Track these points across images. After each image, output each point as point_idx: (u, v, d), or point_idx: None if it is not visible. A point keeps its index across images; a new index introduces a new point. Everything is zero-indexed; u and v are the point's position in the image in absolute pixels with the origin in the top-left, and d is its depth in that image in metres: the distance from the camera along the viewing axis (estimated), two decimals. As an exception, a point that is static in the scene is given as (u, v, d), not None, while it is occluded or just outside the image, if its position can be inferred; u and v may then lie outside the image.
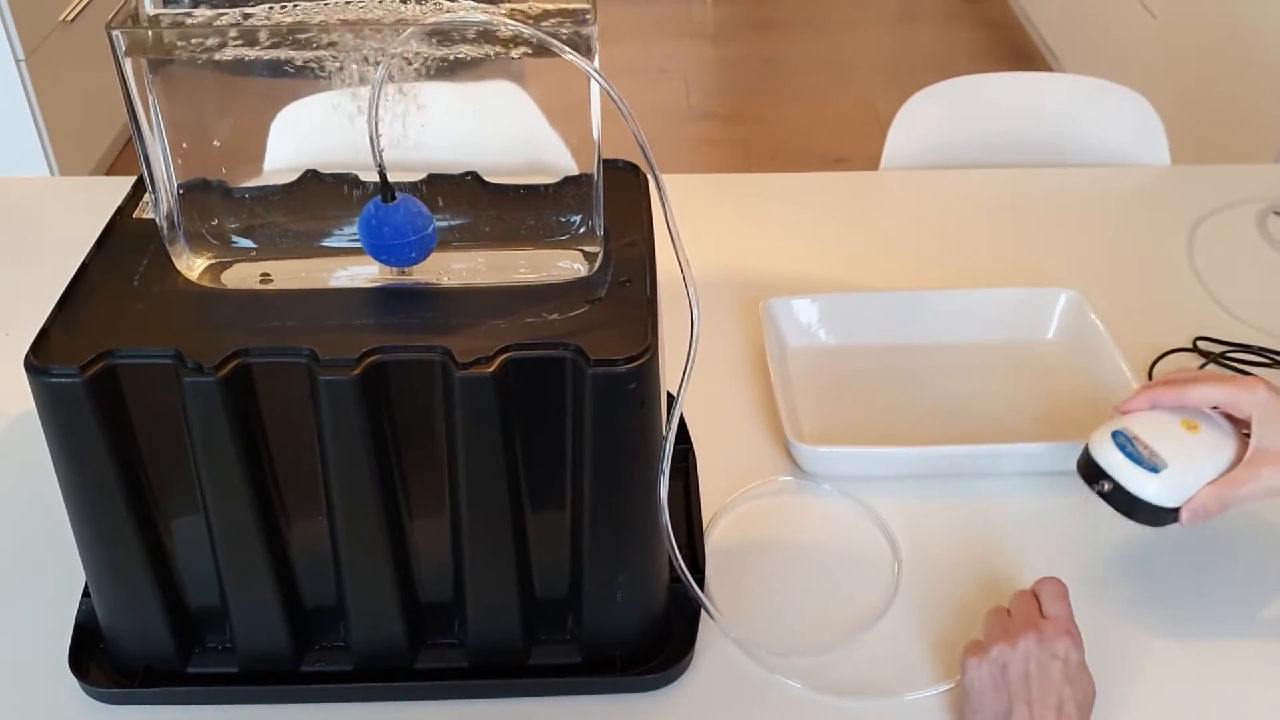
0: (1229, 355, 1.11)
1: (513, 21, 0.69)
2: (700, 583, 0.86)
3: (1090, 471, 0.85)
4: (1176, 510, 0.83)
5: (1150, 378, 1.07)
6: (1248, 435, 0.83)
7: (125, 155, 3.07)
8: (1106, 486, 0.83)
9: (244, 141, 0.80)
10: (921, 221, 1.33)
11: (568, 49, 0.69)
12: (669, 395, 0.79)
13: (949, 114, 1.49)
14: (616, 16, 3.79)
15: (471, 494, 0.76)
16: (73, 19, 2.80)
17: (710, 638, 0.86)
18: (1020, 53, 3.56)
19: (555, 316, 0.75)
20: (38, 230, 1.35)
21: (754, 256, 1.27)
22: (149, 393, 0.72)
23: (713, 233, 1.29)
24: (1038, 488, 0.98)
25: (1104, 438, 0.84)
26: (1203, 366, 1.09)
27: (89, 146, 2.93)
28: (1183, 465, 0.82)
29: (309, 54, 0.72)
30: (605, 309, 0.76)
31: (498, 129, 0.81)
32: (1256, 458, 0.82)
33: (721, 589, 0.90)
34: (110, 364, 0.71)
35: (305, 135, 0.80)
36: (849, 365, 1.09)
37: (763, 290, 1.18)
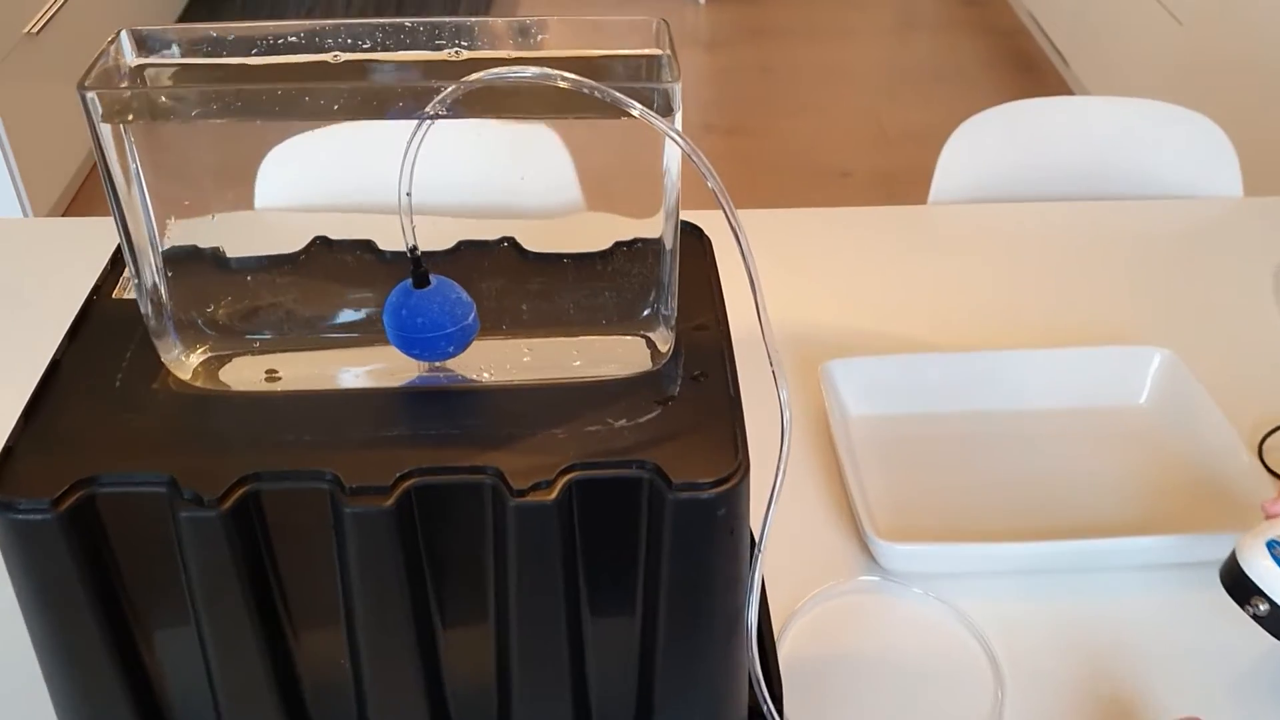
0: (1340, 420, 0.99)
1: (574, 76, 0.57)
2: (780, 712, 0.74)
3: (1240, 588, 0.73)
4: None
5: (1261, 454, 0.96)
6: None
7: (97, 176, 2.93)
8: (1262, 608, 0.71)
9: (238, 215, 0.67)
10: (978, 262, 1.22)
11: (636, 105, 0.57)
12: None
13: (1002, 142, 1.38)
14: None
15: (523, 627, 0.64)
16: (38, 31, 2.65)
17: (791, 776, 0.74)
18: (1028, 61, 3.46)
19: (623, 423, 0.63)
20: (11, 274, 1.21)
21: (796, 305, 1.15)
22: (137, 525, 0.60)
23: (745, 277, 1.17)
24: (1153, 584, 0.86)
25: (1256, 548, 0.73)
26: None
27: (58, 166, 2.79)
28: None
29: (325, 107, 0.59)
30: (681, 412, 0.64)
31: (539, 177, 0.69)
32: None
33: (799, 718, 0.78)
34: (90, 494, 0.58)
35: (299, 177, 0.68)
36: (920, 434, 0.98)
37: (812, 346, 1.07)
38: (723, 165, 2.94)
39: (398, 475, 0.59)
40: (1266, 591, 0.71)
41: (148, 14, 3.40)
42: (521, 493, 0.58)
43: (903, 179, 2.81)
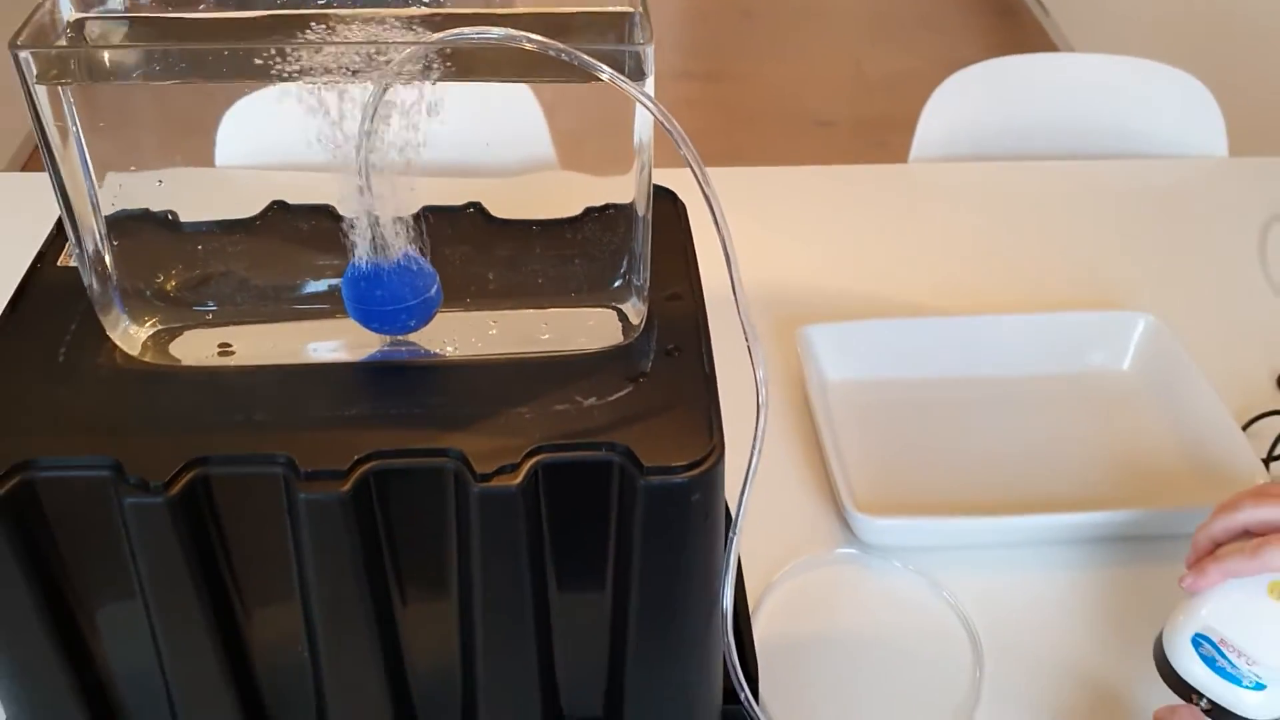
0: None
1: (541, 38, 0.53)
2: (755, 695, 0.72)
3: (1177, 685, 0.68)
4: None
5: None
6: None
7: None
8: (1203, 703, 0.66)
9: (191, 171, 0.64)
10: (960, 222, 1.19)
11: (605, 69, 0.53)
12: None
13: (986, 99, 1.34)
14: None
15: (488, 614, 0.61)
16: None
17: (765, 757, 0.72)
18: (1006, 6, 3.41)
19: (593, 402, 0.60)
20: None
21: (772, 266, 1.12)
22: (79, 510, 0.56)
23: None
24: (1137, 556, 0.84)
25: (1183, 646, 0.67)
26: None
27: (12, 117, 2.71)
28: None
29: (273, 65, 0.56)
30: (653, 389, 0.61)
31: (506, 136, 0.65)
32: None
33: (776, 697, 0.76)
34: (28, 478, 0.55)
35: (257, 135, 0.64)
36: (899, 400, 0.95)
37: (789, 309, 1.04)
38: (700, 114, 2.89)
39: (355, 459, 0.56)
40: (1204, 692, 0.66)
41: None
42: (485, 477, 0.56)
43: (883, 128, 2.77)
